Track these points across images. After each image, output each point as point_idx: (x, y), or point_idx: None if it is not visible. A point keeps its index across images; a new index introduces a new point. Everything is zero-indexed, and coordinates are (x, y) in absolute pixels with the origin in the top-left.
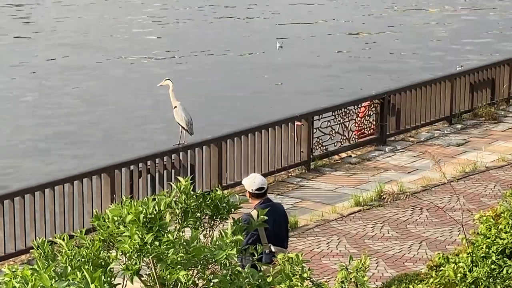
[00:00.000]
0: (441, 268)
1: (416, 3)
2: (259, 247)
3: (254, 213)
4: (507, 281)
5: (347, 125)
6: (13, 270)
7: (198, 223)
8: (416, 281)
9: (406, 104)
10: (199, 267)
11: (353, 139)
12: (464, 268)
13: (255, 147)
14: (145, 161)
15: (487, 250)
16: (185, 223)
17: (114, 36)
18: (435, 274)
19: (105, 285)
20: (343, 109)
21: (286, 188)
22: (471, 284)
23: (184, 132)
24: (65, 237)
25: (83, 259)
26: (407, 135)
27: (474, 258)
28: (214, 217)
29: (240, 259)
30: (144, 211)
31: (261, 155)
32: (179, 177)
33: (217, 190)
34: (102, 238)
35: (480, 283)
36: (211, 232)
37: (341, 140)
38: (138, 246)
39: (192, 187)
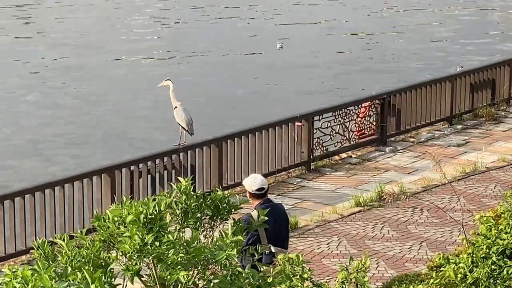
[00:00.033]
0: (441, 269)
1: (417, 3)
2: (259, 248)
3: (254, 213)
4: (507, 282)
5: (348, 126)
6: (14, 270)
7: (198, 223)
8: (417, 281)
9: (407, 105)
10: (199, 268)
11: (354, 139)
12: (465, 269)
13: (255, 148)
14: (145, 162)
15: (487, 250)
16: (185, 223)
17: (115, 36)
18: (435, 274)
19: (105, 285)
20: (343, 110)
21: (286, 188)
22: (472, 284)
23: (184, 133)
24: (65, 238)
25: (83, 260)
26: (408, 135)
27: (474, 258)
28: (215, 218)
29: (240, 259)
30: (145, 211)
31: (262, 155)
32: (179, 178)
33: (217, 191)
34: (102, 238)
35: (481, 284)
36: (211, 233)
37: (342, 141)
38: (138, 246)
39: (192, 188)
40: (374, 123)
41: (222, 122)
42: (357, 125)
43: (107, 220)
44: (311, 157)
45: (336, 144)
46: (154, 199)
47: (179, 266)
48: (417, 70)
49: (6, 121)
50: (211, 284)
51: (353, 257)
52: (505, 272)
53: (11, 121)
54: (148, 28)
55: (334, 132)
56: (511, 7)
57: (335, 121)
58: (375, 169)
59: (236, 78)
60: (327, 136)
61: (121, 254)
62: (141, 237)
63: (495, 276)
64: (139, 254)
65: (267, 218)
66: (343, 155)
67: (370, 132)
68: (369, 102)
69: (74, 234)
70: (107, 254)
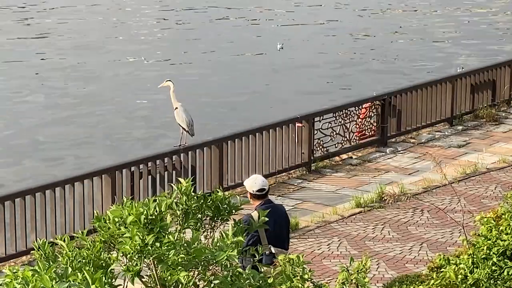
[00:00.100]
0: (442, 270)
1: (417, 4)
2: (259, 248)
3: (254, 214)
4: (508, 283)
5: (348, 127)
6: (14, 271)
7: (199, 224)
8: (417, 282)
9: (407, 106)
10: (200, 268)
11: (354, 140)
12: (465, 270)
13: (256, 148)
14: (146, 162)
15: (488, 251)
16: (186, 224)
17: (115, 37)
18: (436, 275)
19: (105, 286)
20: (344, 111)
21: (286, 189)
22: (472, 285)
23: (185, 133)
24: (66, 238)
25: (84, 260)
26: (408, 136)
27: (475, 259)
28: (215, 218)
29: (240, 260)
30: (145, 212)
31: (262, 156)
32: (180, 179)
33: (218, 192)
34: (103, 239)
35: (481, 285)
36: (212, 233)
37: (342, 142)
38: (139, 247)
39: (193, 189)
40: (375, 124)
41: (222, 123)
42: (357, 126)
43: (107, 221)
44: (312, 158)
45: (336, 145)
46: (155, 200)
47: (179, 267)
48: (417, 71)
49: (7, 121)
50: (212, 285)
51: (353, 258)
52: (505, 273)
53: (11, 121)
54: (148, 29)
55: (334, 133)
56: None
57: (336, 122)
58: (375, 170)
59: (236, 79)
60: (327, 137)
61: (121, 254)
62: (141, 238)
63: (496, 277)
64: (139, 254)
65: (268, 219)
66: (344, 156)
67: (370, 133)
68: (370, 103)
69: (74, 235)
70: (108, 254)
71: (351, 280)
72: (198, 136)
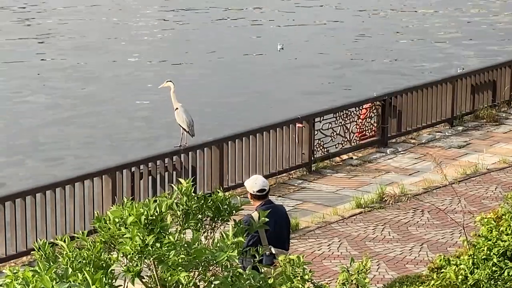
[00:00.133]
0: (442, 270)
1: (418, 5)
2: (260, 249)
3: (255, 214)
4: (508, 283)
5: (348, 127)
6: (15, 271)
7: (199, 225)
8: (417, 283)
9: (408, 106)
10: (200, 269)
11: (354, 141)
12: (465, 270)
13: (256, 149)
14: (146, 163)
15: (488, 252)
16: (186, 225)
17: (116, 37)
18: (436, 276)
19: (106, 286)
20: (344, 111)
21: (287, 190)
22: (472, 286)
23: (185, 134)
24: (66, 239)
25: (84, 261)
26: (409, 137)
27: (475, 260)
28: (215, 219)
29: (241, 260)
30: (145, 212)
31: (262, 157)
32: (180, 179)
33: (218, 192)
34: (103, 239)
35: (481, 285)
36: (212, 234)
37: (342, 142)
38: (139, 247)
39: (193, 189)
40: (375, 125)
41: (223, 124)
42: (358, 127)
43: (108, 222)
44: (312, 158)
45: (337, 146)
46: (155, 201)
47: (180, 267)
48: (418, 72)
49: (7, 121)
50: (212, 285)
51: (354, 258)
52: (506, 273)
53: (12, 122)
54: (149, 29)
55: (335, 133)
56: None
57: (336, 122)
58: (376, 171)
59: (237, 80)
60: (328, 137)
61: (122, 255)
62: (142, 238)
63: (496, 277)
64: (140, 255)
65: (268, 220)
66: (344, 156)
67: (371, 134)
68: (370, 104)
69: (75, 235)
70: (108, 255)
71: (352, 280)
72: (198, 136)
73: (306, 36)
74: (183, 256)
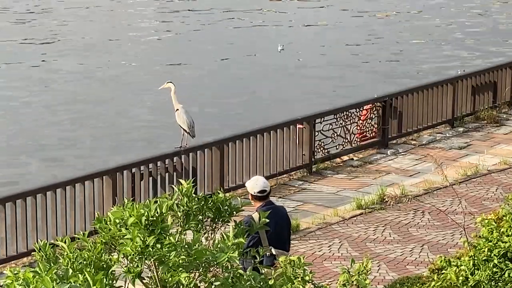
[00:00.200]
0: (443, 271)
1: (418, 6)
2: (260, 250)
3: (255, 215)
4: (509, 284)
5: (349, 128)
6: (15, 272)
7: (200, 226)
8: (418, 284)
9: (408, 107)
10: (200, 270)
11: (355, 142)
12: (466, 271)
13: (257, 150)
14: (147, 164)
15: (489, 253)
16: (187, 226)
17: (117, 38)
18: (437, 277)
19: (106, 287)
20: (345, 112)
21: (288, 191)
22: (473, 287)
23: (186, 135)
24: (67, 240)
25: (84, 262)
26: (409, 138)
27: (476, 261)
28: (216, 220)
29: (241, 261)
30: (146, 213)
31: (263, 158)
32: (181, 180)
33: (219, 193)
34: (104, 240)
35: (482, 287)
36: (213, 235)
37: (343, 143)
38: (140, 248)
39: (194, 190)
40: (376, 126)
41: (223, 125)
42: (358, 128)
43: (108, 222)
44: (313, 159)
45: (337, 147)
46: (156, 202)
47: (180, 268)
48: (418, 72)
49: (8, 122)
50: (213, 286)
51: (354, 259)
52: (506, 274)
53: (12, 122)
54: (150, 30)
55: (335, 134)
56: None
57: (337, 123)
58: (376, 172)
59: (237, 80)
60: (328, 138)
61: (122, 256)
62: (142, 239)
63: (497, 278)
64: (140, 256)
65: (268, 220)
66: (345, 157)
67: (371, 135)
68: (371, 105)
69: (75, 236)
70: (109, 256)
71: (352, 281)
72: (199, 137)
73: (307, 37)
74: (184, 257)
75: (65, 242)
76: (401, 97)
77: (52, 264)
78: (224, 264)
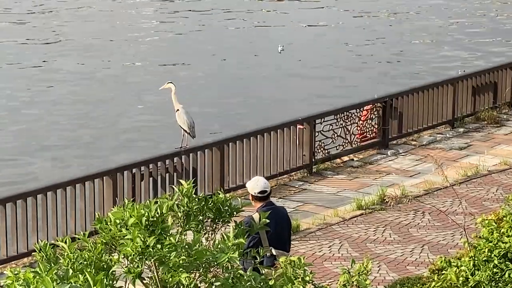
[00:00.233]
0: (443, 272)
1: (420, 7)
2: (261, 250)
3: (256, 216)
4: (509, 285)
5: (349, 129)
6: (16, 272)
7: (200, 226)
8: (418, 284)
9: (408, 108)
10: (201, 270)
11: (355, 142)
12: (466, 272)
13: (257, 151)
14: (147, 164)
15: (489, 253)
16: (187, 226)
17: (117, 39)
18: (437, 277)
19: None
20: (345, 113)
21: (288, 191)
22: None
23: (186, 135)
24: (67, 240)
25: (85, 262)
26: (409, 138)
27: (476, 261)
28: (216, 220)
29: (241, 262)
30: (146, 214)
31: (263, 158)
32: (181, 180)
33: (219, 193)
34: (104, 241)
35: (482, 287)
36: (213, 235)
37: (343, 144)
38: (140, 249)
39: (194, 190)
40: (376, 126)
41: (223, 125)
42: (359, 128)
43: (109, 223)
44: (313, 160)
45: (338, 147)
46: (156, 202)
47: (180, 269)
48: (418, 73)
49: (9, 122)
50: (213, 287)
51: (355, 260)
52: (506, 275)
53: (13, 122)
54: (150, 30)
55: (336, 135)
56: None
57: (337, 124)
58: (377, 172)
59: (237, 81)
60: (329, 139)
61: (123, 256)
62: (143, 239)
63: (497, 279)
64: (141, 256)
65: (268, 221)
66: (345, 158)
67: (372, 135)
68: (371, 105)
69: (76, 237)
70: (109, 256)
71: (352, 282)
72: (199, 138)
73: (307, 37)
74: (184, 257)
75: (65, 243)
76: (402, 97)
77: (52, 265)
78: (224, 265)
